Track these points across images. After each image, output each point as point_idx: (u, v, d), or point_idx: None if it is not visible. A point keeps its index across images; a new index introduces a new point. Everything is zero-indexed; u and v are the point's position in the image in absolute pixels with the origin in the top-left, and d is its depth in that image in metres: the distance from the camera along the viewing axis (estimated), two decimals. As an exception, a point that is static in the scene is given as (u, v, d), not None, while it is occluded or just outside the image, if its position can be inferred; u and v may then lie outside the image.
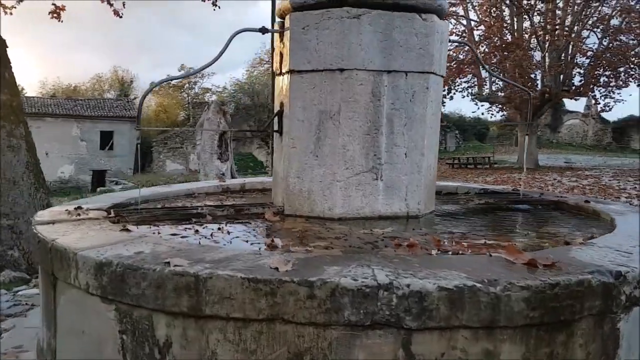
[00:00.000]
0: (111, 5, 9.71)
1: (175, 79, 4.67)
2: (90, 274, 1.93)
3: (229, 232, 2.44)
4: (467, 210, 3.26)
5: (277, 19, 3.17)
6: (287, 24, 2.97)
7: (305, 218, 2.86)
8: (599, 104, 22.83)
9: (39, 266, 2.53)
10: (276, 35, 3.18)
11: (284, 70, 3.02)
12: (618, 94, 22.50)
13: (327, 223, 2.75)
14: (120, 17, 10.07)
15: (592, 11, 21.34)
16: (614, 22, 21.25)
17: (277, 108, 3.15)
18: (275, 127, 3.11)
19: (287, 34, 2.95)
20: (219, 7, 11.42)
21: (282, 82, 3.06)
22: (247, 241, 2.30)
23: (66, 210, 2.82)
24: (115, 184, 24.90)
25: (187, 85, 39.33)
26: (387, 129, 2.87)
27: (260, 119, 29.43)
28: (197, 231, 2.45)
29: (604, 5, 21.59)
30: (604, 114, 29.82)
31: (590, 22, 21.48)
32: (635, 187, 13.11)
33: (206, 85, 40.20)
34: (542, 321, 1.69)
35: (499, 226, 2.87)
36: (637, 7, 21.19)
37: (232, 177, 14.64)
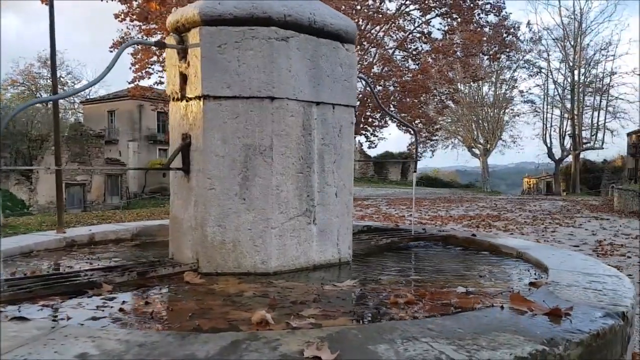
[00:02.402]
0: None
1: (48, 100, 3.51)
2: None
3: (170, 308, 1.82)
4: (379, 251, 3.10)
5: (172, 33, 2.61)
6: (192, 39, 2.46)
7: (235, 275, 2.34)
8: (369, 140, 25.58)
9: None
10: (170, 53, 2.62)
11: (190, 95, 2.48)
12: (380, 132, 25.73)
13: (265, 280, 2.29)
14: None
15: (359, 59, 24.06)
16: (376, 69, 24.26)
17: (176, 140, 2.57)
18: (177, 165, 2.52)
19: (194, 51, 2.43)
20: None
21: (188, 110, 2.51)
22: (208, 317, 1.73)
23: None
24: None
25: None
26: (319, 166, 2.56)
27: (18, 150, 25.18)
28: (122, 310, 1.78)
29: (367, 54, 24.53)
30: (368, 150, 33.62)
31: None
32: (411, 214, 14.95)
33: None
34: (591, 376, 1.60)
35: (430, 267, 2.77)
36: (394, 57, 24.73)
37: (-2, 219, 12.10)
